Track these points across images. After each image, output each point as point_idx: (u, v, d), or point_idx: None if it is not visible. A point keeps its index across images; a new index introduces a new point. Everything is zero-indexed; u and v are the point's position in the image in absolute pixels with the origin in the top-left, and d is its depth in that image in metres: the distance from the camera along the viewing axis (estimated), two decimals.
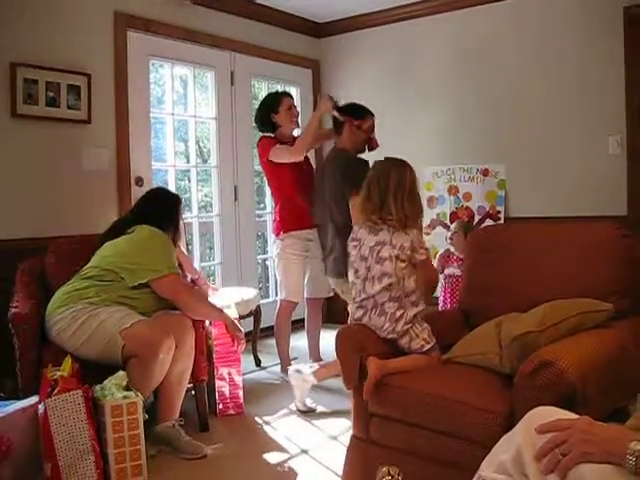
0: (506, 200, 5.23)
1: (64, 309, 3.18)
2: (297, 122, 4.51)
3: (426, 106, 5.74)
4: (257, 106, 4.62)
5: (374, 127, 4.18)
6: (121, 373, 2.98)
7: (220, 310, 3.56)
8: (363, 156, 4.09)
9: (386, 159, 3.22)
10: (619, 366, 2.47)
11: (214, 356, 3.70)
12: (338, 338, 2.86)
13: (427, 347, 2.86)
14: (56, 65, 4.18)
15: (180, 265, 3.74)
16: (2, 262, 3.67)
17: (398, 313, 2.86)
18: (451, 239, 4.75)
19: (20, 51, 4.03)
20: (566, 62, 5.01)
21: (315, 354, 4.61)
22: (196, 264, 5.15)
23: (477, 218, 5.29)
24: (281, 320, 4.49)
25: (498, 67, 5.34)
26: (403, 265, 2.90)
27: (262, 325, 4.91)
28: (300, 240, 4.39)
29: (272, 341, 4.86)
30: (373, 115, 4.10)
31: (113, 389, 2.91)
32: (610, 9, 4.79)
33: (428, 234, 5.47)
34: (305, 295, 4.58)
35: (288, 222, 4.38)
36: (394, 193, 2.92)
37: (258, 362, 4.82)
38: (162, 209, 3.59)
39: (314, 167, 4.73)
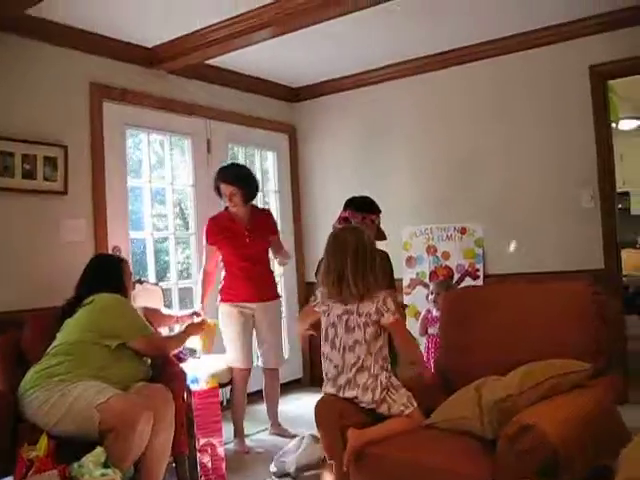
0: (484, 258, 5.26)
1: (36, 389, 3.12)
2: (238, 206, 4.51)
3: (402, 166, 5.81)
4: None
5: None
6: (99, 449, 2.91)
7: (182, 335, 3.90)
8: None
9: (341, 228, 3.25)
10: (599, 425, 2.47)
11: (195, 427, 3.65)
12: (317, 410, 2.84)
13: (407, 412, 2.84)
14: (32, 137, 4.19)
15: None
16: None
17: (370, 382, 2.85)
18: (435, 301, 4.75)
19: None
20: (537, 120, 5.12)
21: (274, 421, 4.75)
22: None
23: (456, 276, 5.30)
24: (234, 388, 4.53)
25: (471, 127, 5.44)
26: (372, 330, 2.90)
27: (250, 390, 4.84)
28: (237, 308, 4.50)
29: (255, 407, 4.96)
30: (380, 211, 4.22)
31: (91, 466, 2.83)
32: (577, 68, 4.93)
33: (408, 294, 5.48)
34: (260, 364, 4.71)
35: (226, 293, 4.54)
36: (353, 265, 2.91)
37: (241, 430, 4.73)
38: (108, 274, 3.64)
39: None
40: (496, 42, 5.19)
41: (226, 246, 4.50)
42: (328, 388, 2.96)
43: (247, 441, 4.55)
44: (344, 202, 4.18)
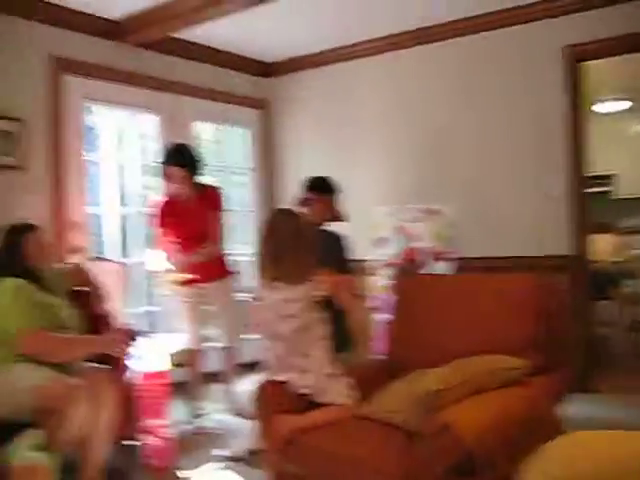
0: (453, 241, 5.18)
1: None
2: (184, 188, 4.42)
3: (374, 146, 5.74)
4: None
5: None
6: (33, 432, 2.88)
7: (90, 340, 3.34)
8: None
9: (275, 212, 3.19)
10: (530, 426, 2.40)
11: (139, 408, 3.60)
12: (254, 396, 2.82)
13: (344, 401, 2.80)
14: None
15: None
16: None
17: (309, 366, 2.82)
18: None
19: None
20: (509, 102, 5.05)
21: (232, 401, 4.70)
22: (133, 309, 5.09)
23: (425, 259, 5.23)
24: (190, 369, 4.55)
25: (441, 109, 5.38)
26: (312, 314, 2.87)
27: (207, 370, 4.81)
28: (190, 290, 4.45)
29: (216, 386, 4.89)
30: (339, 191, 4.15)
31: (23, 449, 2.81)
32: (550, 48, 4.85)
33: (375, 275, 5.41)
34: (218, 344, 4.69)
35: None
36: (292, 246, 2.87)
37: (196, 411, 4.70)
38: (8, 252, 3.36)
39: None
40: (470, 20, 5.10)
41: (174, 228, 4.43)
42: (268, 375, 2.93)
43: (204, 422, 4.53)
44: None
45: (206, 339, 4.59)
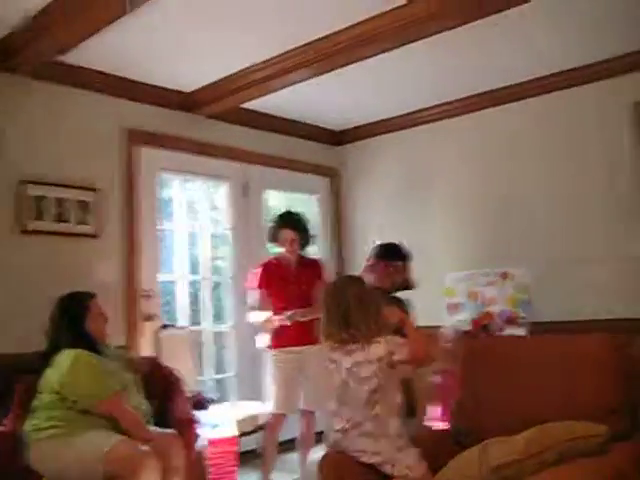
0: (528, 304, 5.02)
1: (40, 437, 3.09)
2: (295, 252, 4.60)
3: (445, 211, 5.69)
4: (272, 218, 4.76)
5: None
6: None
7: (150, 437, 3.17)
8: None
9: (337, 278, 3.19)
10: None
11: (208, 475, 3.55)
12: (320, 467, 2.74)
13: (412, 475, 2.67)
14: (65, 181, 4.29)
15: None
16: (5, 377, 3.59)
17: (378, 432, 2.71)
18: None
19: (29, 168, 4.16)
20: (579, 166, 4.94)
21: (303, 471, 4.59)
22: (208, 375, 5.09)
23: (499, 323, 5.08)
24: (267, 434, 4.46)
25: (513, 171, 5.30)
26: (385, 376, 2.77)
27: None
28: (285, 354, 4.45)
29: (286, 456, 4.81)
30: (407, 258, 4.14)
31: None
32: (622, 105, 4.74)
33: (447, 342, 5.27)
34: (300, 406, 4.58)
35: (275, 339, 4.50)
36: (356, 308, 2.84)
37: None
38: (68, 320, 3.41)
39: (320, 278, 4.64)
40: (538, 81, 5.05)
41: (275, 290, 4.54)
42: (334, 443, 2.83)
43: None
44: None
45: (292, 404, 4.51)
